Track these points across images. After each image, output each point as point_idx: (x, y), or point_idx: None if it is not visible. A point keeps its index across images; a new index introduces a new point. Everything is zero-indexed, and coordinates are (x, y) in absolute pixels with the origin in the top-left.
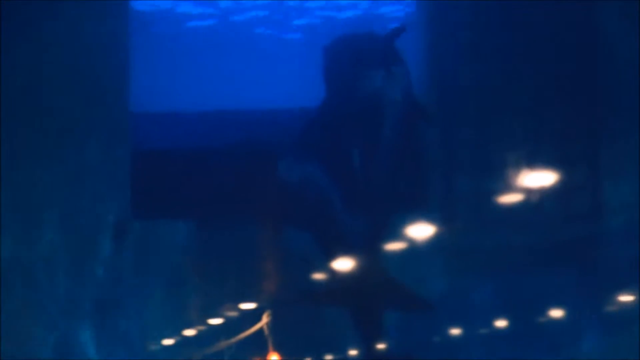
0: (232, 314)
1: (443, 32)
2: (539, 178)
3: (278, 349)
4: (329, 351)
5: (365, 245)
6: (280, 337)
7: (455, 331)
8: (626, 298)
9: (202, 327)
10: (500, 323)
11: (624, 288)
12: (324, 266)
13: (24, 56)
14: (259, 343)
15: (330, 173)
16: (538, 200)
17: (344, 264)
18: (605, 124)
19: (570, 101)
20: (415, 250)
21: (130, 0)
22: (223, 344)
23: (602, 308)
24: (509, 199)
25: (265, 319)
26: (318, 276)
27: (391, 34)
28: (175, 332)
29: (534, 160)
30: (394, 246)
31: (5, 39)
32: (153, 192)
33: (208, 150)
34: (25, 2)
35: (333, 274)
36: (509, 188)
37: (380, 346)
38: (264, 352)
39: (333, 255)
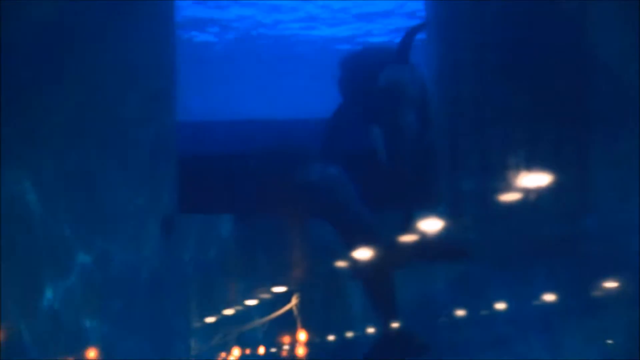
0: (265, 296)
1: (448, 46)
2: (537, 179)
3: (305, 327)
4: (350, 329)
5: (389, 238)
6: (308, 317)
7: (459, 312)
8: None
9: (239, 307)
10: (499, 306)
11: (610, 277)
12: (347, 255)
13: (79, 67)
14: (288, 322)
15: (353, 173)
16: (535, 198)
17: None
18: (600, 129)
19: (565, 109)
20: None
21: (175, 11)
22: (257, 322)
23: (591, 295)
24: (509, 197)
25: (294, 301)
26: (342, 264)
27: (413, 30)
28: (215, 311)
29: (532, 163)
30: (406, 238)
31: (59, 52)
32: (197, 191)
33: (245, 154)
34: (79, 16)
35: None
36: (509, 188)
37: (395, 325)
38: (293, 330)
39: (356, 246)
